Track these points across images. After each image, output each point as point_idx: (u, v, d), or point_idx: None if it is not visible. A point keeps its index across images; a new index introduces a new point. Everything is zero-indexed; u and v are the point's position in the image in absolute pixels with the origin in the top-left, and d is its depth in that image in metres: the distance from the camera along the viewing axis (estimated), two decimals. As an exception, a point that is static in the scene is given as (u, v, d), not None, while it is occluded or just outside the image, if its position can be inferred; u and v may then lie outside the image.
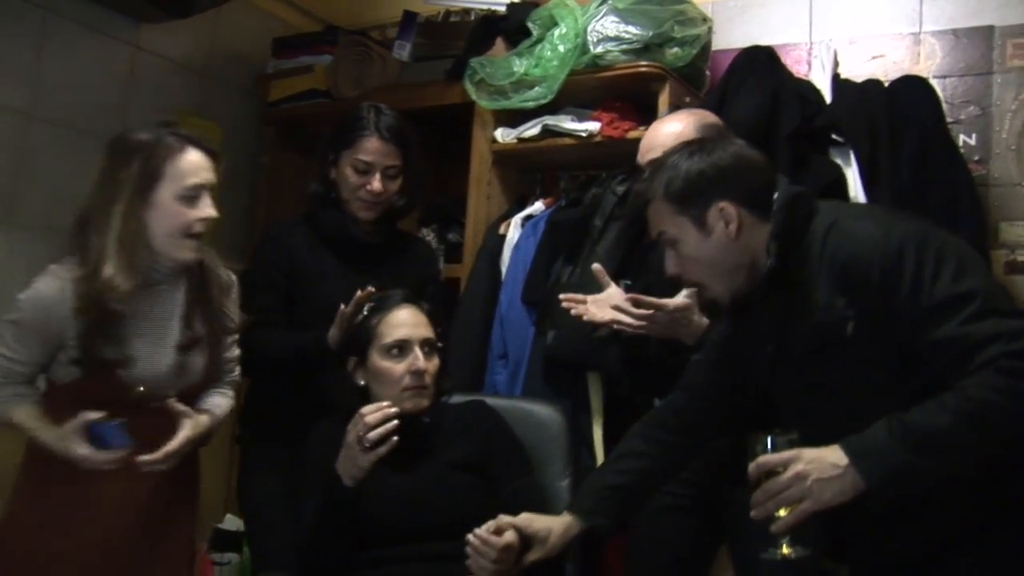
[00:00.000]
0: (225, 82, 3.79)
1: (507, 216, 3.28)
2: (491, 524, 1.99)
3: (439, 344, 2.35)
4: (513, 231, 3.20)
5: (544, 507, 2.26)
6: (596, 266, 2.47)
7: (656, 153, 2.39)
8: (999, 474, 1.68)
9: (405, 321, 2.30)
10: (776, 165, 2.49)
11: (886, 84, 2.96)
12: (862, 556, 1.92)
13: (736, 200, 1.85)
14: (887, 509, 1.74)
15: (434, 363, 2.30)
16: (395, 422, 2.04)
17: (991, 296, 1.65)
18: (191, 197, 2.15)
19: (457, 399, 2.41)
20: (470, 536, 1.98)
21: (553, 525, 2.04)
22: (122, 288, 2.10)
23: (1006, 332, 1.59)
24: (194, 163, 2.16)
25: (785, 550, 1.73)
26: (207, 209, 2.17)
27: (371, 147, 2.62)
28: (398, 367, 2.25)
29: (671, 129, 2.44)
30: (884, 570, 1.87)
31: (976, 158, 2.98)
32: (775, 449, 1.72)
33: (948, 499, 1.71)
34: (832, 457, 1.65)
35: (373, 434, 2.03)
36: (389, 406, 2.07)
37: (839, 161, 2.84)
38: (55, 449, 2.07)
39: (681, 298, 2.21)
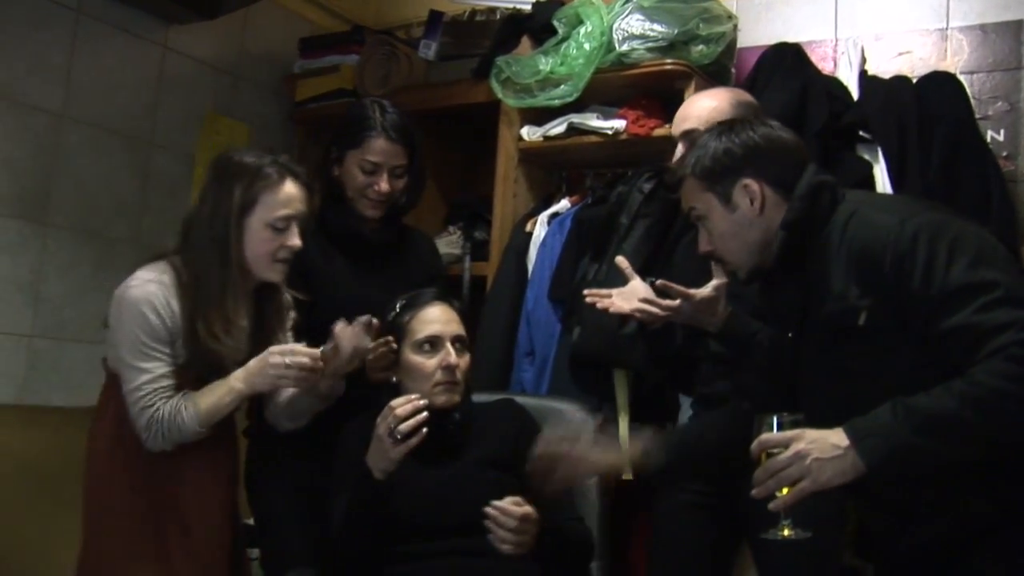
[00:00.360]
0: (253, 82, 3.82)
1: (533, 214, 3.29)
2: (508, 499, 2.04)
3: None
4: (539, 229, 3.21)
5: (571, 508, 2.29)
6: (620, 259, 2.48)
7: (690, 124, 2.43)
8: (1017, 469, 1.67)
9: (437, 318, 2.33)
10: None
11: (914, 81, 2.95)
12: (885, 552, 1.92)
13: (761, 178, 1.89)
14: (908, 505, 1.75)
15: (465, 360, 2.32)
16: (425, 414, 2.08)
17: (1008, 286, 1.64)
18: (280, 228, 2.25)
19: (487, 397, 2.43)
20: (488, 508, 2.02)
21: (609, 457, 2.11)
22: (221, 298, 2.23)
23: (1018, 321, 1.59)
24: (288, 195, 2.26)
25: (786, 531, 1.73)
26: (293, 239, 2.25)
27: (378, 147, 2.60)
28: (430, 362, 2.28)
29: (707, 103, 2.46)
30: (906, 566, 1.86)
31: (1004, 154, 2.96)
32: (780, 429, 1.72)
33: (967, 494, 1.71)
34: (834, 438, 1.65)
35: (404, 426, 2.06)
36: (419, 398, 2.10)
37: (867, 158, 2.83)
38: (258, 383, 2.19)
39: (708, 289, 2.22)
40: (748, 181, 1.89)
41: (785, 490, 1.67)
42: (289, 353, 2.17)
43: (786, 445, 1.68)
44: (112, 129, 3.31)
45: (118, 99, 3.34)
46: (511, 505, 2.04)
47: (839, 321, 1.78)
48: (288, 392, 2.35)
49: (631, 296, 2.36)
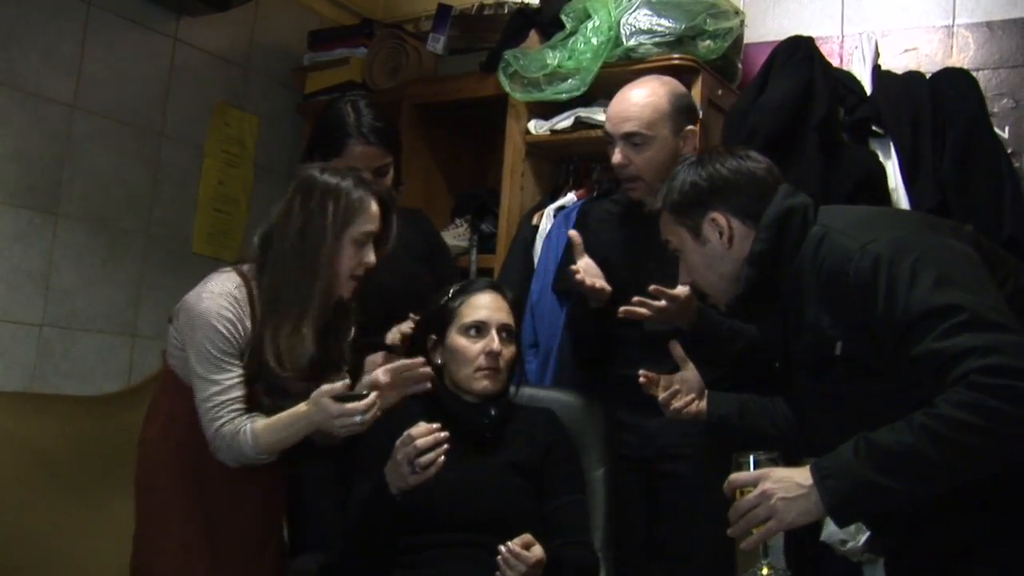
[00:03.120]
0: (262, 74, 3.84)
1: (540, 207, 3.30)
2: (520, 540, 2.00)
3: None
4: (546, 222, 3.23)
5: (581, 529, 2.26)
6: (573, 233, 2.52)
7: (631, 126, 2.48)
8: (1011, 483, 1.63)
9: (486, 304, 2.35)
10: (805, 159, 2.54)
11: (926, 77, 2.95)
12: (896, 552, 1.93)
13: (728, 211, 1.91)
14: (918, 508, 1.69)
15: (510, 350, 2.33)
16: (445, 446, 2.03)
17: (972, 307, 1.58)
18: (363, 243, 2.25)
19: (528, 404, 2.42)
20: (501, 548, 1.99)
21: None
22: (298, 316, 2.21)
23: (980, 347, 1.53)
24: (376, 212, 2.26)
25: (764, 571, 1.73)
26: (370, 255, 2.25)
27: (358, 152, 2.56)
28: (474, 347, 2.30)
29: (643, 100, 2.50)
30: (916, 565, 1.85)
31: (1009, 151, 2.96)
32: (757, 467, 1.72)
33: (975, 500, 1.66)
34: (799, 477, 1.63)
35: (423, 460, 2.01)
36: (439, 428, 2.03)
37: (879, 153, 2.85)
38: (312, 423, 2.10)
39: (686, 289, 2.22)
40: (715, 215, 1.91)
41: (756, 529, 1.67)
42: (344, 414, 2.06)
43: (755, 484, 1.67)
44: (123, 120, 3.34)
45: (129, 90, 3.36)
46: (522, 549, 1.99)
47: (817, 353, 1.78)
48: None
49: (594, 273, 2.44)
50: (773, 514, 1.63)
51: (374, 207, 2.25)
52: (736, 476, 1.71)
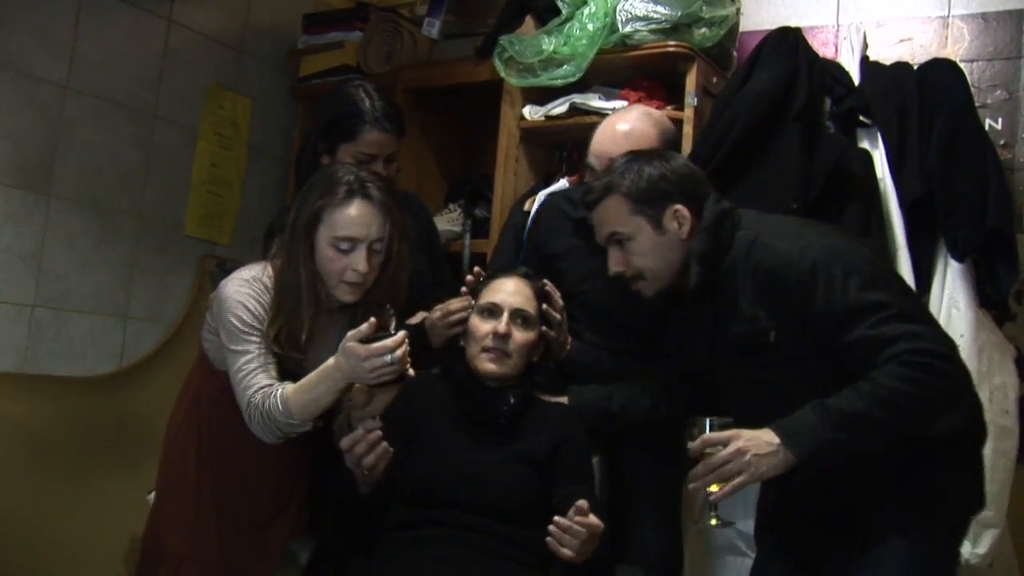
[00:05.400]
0: (257, 57, 3.83)
1: (532, 192, 3.30)
2: (575, 508, 2.00)
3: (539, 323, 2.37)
4: (537, 208, 3.23)
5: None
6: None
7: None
8: (895, 450, 1.95)
9: (505, 288, 2.37)
10: (783, 149, 2.75)
11: (915, 67, 2.96)
12: (798, 516, 2.15)
13: (688, 205, 2.14)
14: (807, 482, 1.95)
15: (524, 335, 2.33)
16: (383, 445, 2.02)
17: (896, 303, 1.94)
18: (344, 249, 2.20)
19: (549, 398, 2.43)
20: (556, 520, 1.99)
21: None
22: (296, 310, 2.21)
23: (908, 333, 1.89)
24: (351, 217, 2.19)
25: (714, 521, 1.98)
26: (358, 263, 2.19)
27: (374, 139, 2.56)
28: (484, 327, 2.32)
29: (631, 135, 2.52)
30: (817, 524, 2.11)
31: (1002, 142, 2.99)
32: (712, 430, 1.94)
33: (870, 464, 1.96)
34: (766, 437, 1.89)
35: (366, 462, 2.03)
36: (371, 429, 2.03)
37: (866, 143, 2.85)
38: (344, 374, 2.06)
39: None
40: (679, 207, 2.13)
41: (715, 486, 1.90)
42: (373, 354, 2.02)
43: (725, 444, 1.90)
44: (116, 101, 3.33)
45: (122, 72, 3.35)
46: (583, 518, 1.98)
47: (750, 340, 2.05)
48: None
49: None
50: (746, 469, 1.87)
51: (353, 211, 2.19)
52: (711, 436, 1.93)
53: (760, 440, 1.88)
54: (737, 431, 1.91)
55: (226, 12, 3.69)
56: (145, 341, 3.41)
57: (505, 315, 2.32)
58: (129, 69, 3.37)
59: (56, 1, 3.15)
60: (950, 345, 1.95)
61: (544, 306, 2.39)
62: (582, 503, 2.00)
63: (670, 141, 2.59)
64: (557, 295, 2.43)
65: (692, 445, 1.94)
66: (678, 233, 2.13)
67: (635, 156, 2.22)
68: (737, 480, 1.87)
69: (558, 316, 2.42)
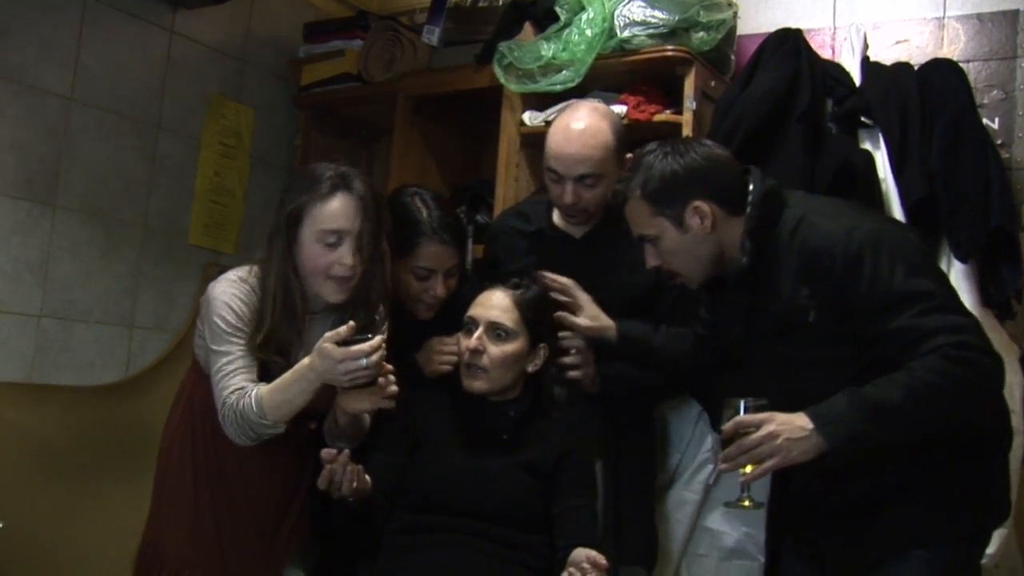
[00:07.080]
0: (258, 66, 3.86)
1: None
2: (584, 554, 2.02)
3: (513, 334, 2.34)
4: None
5: (593, 534, 2.26)
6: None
7: (586, 168, 2.51)
8: (924, 445, 1.94)
9: (483, 301, 2.35)
10: (788, 151, 2.73)
11: (916, 67, 2.96)
12: (815, 509, 2.16)
13: (709, 198, 2.09)
14: (840, 468, 1.96)
15: (500, 349, 2.30)
16: (349, 468, 2.01)
17: (941, 294, 1.93)
18: (331, 243, 2.18)
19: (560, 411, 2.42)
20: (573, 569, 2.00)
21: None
22: (274, 312, 2.20)
23: (950, 326, 1.88)
24: (337, 209, 2.18)
25: (747, 503, 1.98)
26: (345, 256, 2.17)
27: (432, 253, 2.46)
28: (463, 343, 2.33)
29: (591, 139, 2.52)
30: (834, 516, 2.11)
31: (999, 142, 2.98)
32: (747, 412, 1.94)
33: (887, 458, 1.96)
34: (799, 421, 1.88)
35: (344, 492, 2.03)
36: (340, 452, 2.02)
37: (868, 144, 2.86)
38: (318, 375, 2.05)
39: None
40: (698, 203, 2.08)
41: (748, 468, 1.91)
42: (348, 357, 2.00)
43: (758, 426, 1.89)
44: (120, 112, 3.35)
45: (126, 83, 3.38)
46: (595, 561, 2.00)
47: (791, 317, 2.02)
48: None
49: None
50: (778, 453, 1.87)
51: (335, 204, 2.18)
52: (744, 418, 1.92)
53: (793, 424, 1.88)
54: (771, 414, 1.90)
55: (228, 23, 3.71)
56: (151, 349, 3.43)
57: (479, 329, 2.30)
58: (132, 80, 3.40)
59: (60, 13, 3.18)
60: (989, 340, 1.94)
61: (561, 333, 2.39)
62: (592, 553, 2.01)
63: (620, 131, 2.59)
64: (572, 286, 2.44)
65: (725, 426, 1.94)
66: (701, 228, 2.09)
67: (650, 151, 2.16)
68: (768, 463, 1.88)
69: (577, 342, 2.45)
